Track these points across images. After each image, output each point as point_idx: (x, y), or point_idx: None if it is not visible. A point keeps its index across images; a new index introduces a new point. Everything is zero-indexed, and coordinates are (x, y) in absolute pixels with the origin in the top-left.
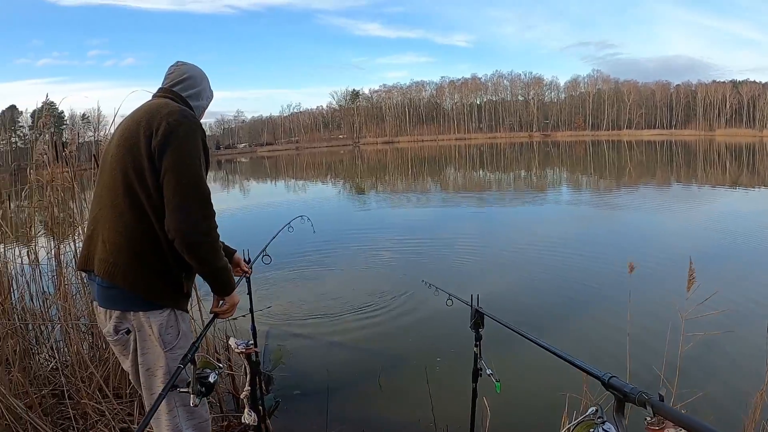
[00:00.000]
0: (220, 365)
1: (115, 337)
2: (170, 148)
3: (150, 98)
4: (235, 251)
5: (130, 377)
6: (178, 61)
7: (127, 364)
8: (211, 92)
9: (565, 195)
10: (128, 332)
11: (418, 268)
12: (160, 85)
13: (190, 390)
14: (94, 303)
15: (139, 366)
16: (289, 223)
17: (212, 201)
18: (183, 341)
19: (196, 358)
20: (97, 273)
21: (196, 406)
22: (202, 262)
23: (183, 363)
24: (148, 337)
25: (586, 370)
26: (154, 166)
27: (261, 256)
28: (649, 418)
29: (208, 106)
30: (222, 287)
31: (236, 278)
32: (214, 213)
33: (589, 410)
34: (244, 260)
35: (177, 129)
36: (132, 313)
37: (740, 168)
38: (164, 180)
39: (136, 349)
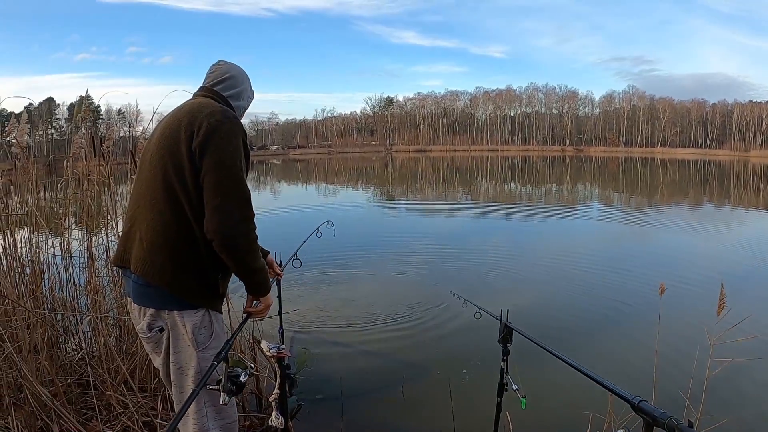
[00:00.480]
0: (252, 365)
1: (148, 335)
2: (211, 148)
3: (191, 97)
4: (269, 253)
5: (160, 375)
6: (219, 60)
7: (158, 362)
8: (252, 92)
9: (597, 211)
10: (161, 330)
11: (447, 278)
12: (200, 84)
13: (221, 388)
14: (128, 299)
15: (171, 364)
16: (317, 228)
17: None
18: (215, 342)
19: (229, 356)
20: (133, 270)
21: (225, 404)
22: (240, 263)
23: (217, 360)
24: (182, 336)
25: (616, 392)
26: (194, 166)
27: (291, 260)
28: None
29: (248, 106)
30: (258, 288)
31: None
32: (253, 214)
33: None
34: (276, 263)
35: (218, 129)
36: (166, 311)
37: None
38: (204, 180)
39: (168, 348)
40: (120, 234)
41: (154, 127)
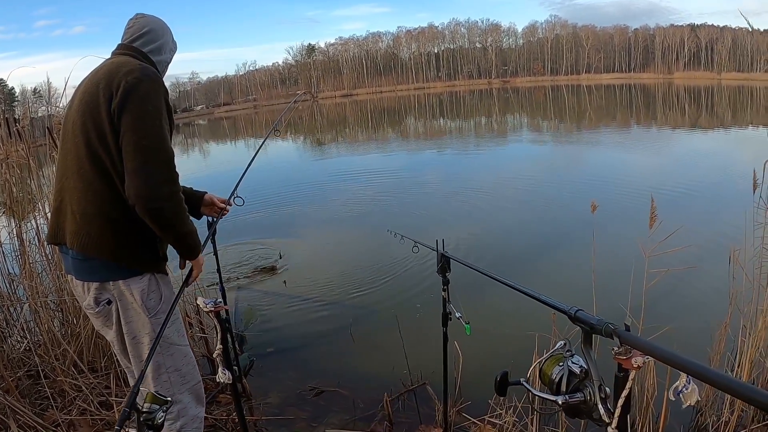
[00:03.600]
0: (168, 399)
1: (97, 309)
2: (129, 107)
3: (109, 56)
4: (205, 192)
5: (114, 349)
6: (137, 14)
7: (110, 335)
8: (175, 44)
9: (526, 139)
10: (109, 303)
11: (384, 218)
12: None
13: None
14: (69, 276)
15: (125, 335)
16: (253, 157)
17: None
18: (165, 305)
19: (138, 401)
20: (69, 246)
21: None
22: (165, 228)
23: (127, 406)
24: (131, 305)
25: (553, 305)
26: (115, 128)
27: (233, 197)
28: (616, 348)
29: (171, 59)
30: (189, 251)
31: (212, 218)
32: (177, 175)
33: (557, 344)
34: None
35: (137, 87)
36: (111, 282)
37: (699, 110)
38: (123, 142)
39: (119, 320)
40: (50, 211)
41: (72, 93)
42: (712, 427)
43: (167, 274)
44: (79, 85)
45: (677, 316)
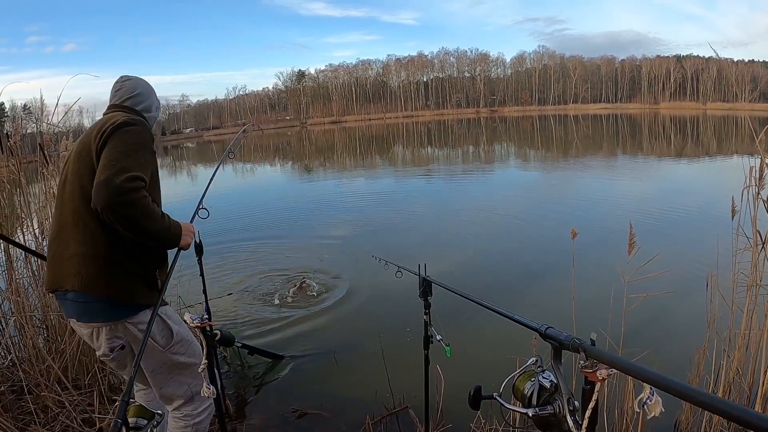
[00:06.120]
0: (159, 411)
1: (112, 356)
2: (112, 140)
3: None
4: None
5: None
6: (122, 76)
7: (126, 372)
8: (159, 102)
9: (513, 168)
10: (123, 348)
11: (370, 243)
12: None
13: None
14: (72, 321)
15: (143, 369)
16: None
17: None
18: (178, 338)
19: (126, 413)
20: (70, 288)
21: None
22: (139, 231)
23: (119, 417)
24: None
25: (525, 323)
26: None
27: (197, 212)
28: (582, 362)
29: (158, 116)
30: (169, 244)
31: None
32: (141, 183)
33: (529, 360)
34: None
35: (122, 127)
36: (120, 327)
37: (684, 140)
38: (99, 162)
39: (133, 359)
40: (46, 263)
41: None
42: None
43: (168, 304)
44: (76, 143)
45: (657, 340)
